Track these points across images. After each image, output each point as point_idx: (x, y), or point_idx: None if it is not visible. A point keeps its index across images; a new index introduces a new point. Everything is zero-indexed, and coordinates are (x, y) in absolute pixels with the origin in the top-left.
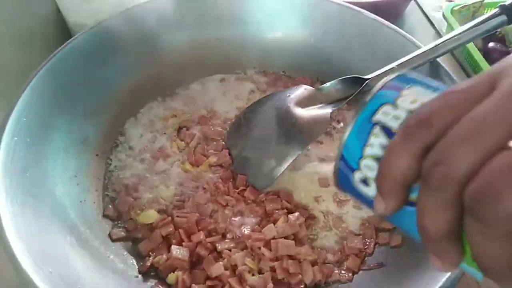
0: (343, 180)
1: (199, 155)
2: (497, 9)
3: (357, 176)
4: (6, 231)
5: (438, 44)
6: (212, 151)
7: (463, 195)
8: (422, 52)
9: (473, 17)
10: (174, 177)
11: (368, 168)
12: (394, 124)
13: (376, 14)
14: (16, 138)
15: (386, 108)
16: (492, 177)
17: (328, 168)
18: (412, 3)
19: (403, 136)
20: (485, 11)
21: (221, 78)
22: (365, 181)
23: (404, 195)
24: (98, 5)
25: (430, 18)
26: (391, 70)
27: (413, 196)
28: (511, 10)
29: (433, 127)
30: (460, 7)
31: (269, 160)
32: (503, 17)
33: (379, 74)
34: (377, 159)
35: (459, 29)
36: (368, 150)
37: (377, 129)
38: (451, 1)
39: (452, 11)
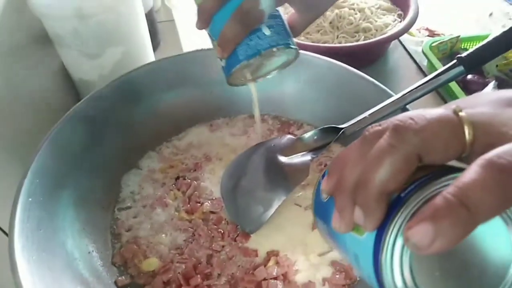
0: (317, 195)
1: (194, 203)
2: (455, 60)
3: None
4: (24, 287)
5: (405, 94)
6: (206, 198)
7: None
8: (392, 102)
9: (451, 51)
10: (172, 226)
11: None
12: None
13: (362, 55)
14: (30, 199)
15: None
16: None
17: None
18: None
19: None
20: (462, 45)
21: (211, 124)
22: None
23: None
24: (100, 62)
25: (412, 53)
26: (364, 119)
27: None
28: (466, 61)
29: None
30: (438, 43)
31: (257, 206)
32: (461, 68)
33: (353, 123)
34: None
35: (423, 79)
36: None
37: None
38: (433, 34)
39: (430, 47)
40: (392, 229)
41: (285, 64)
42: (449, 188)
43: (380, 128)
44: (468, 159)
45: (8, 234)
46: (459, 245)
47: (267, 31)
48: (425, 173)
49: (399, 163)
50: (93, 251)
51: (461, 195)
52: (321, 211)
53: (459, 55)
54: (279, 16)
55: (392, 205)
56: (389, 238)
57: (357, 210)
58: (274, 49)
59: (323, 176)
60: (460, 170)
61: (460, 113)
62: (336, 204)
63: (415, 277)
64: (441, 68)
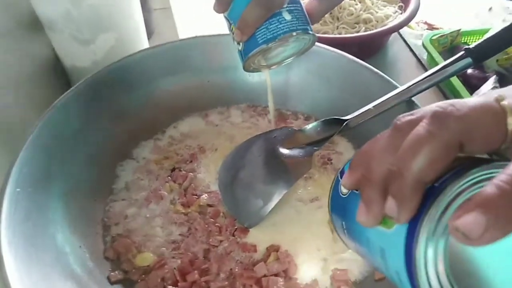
0: (335, 191)
1: (190, 196)
2: (463, 51)
3: None
4: (10, 282)
5: (411, 86)
6: (203, 191)
7: None
8: (397, 93)
9: (452, 45)
10: (167, 219)
11: None
12: None
13: (361, 46)
14: (18, 189)
15: None
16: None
17: None
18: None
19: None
20: (462, 39)
21: (206, 113)
22: None
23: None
24: (93, 48)
25: (412, 46)
26: (368, 111)
27: None
28: (474, 52)
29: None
30: (439, 36)
31: (256, 199)
32: (468, 59)
33: (357, 115)
34: None
35: (430, 71)
36: None
37: None
38: (432, 28)
39: (431, 40)
40: (427, 220)
41: (301, 51)
42: (501, 177)
43: (413, 117)
44: (508, 151)
45: None
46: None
47: (287, 16)
48: (458, 163)
49: (439, 151)
50: (84, 245)
51: None
52: (340, 207)
53: (466, 47)
54: (299, 2)
55: (425, 196)
56: (424, 230)
57: (390, 201)
58: (294, 34)
59: (341, 171)
60: (493, 161)
61: (502, 102)
62: (363, 196)
63: (448, 273)
64: (448, 60)
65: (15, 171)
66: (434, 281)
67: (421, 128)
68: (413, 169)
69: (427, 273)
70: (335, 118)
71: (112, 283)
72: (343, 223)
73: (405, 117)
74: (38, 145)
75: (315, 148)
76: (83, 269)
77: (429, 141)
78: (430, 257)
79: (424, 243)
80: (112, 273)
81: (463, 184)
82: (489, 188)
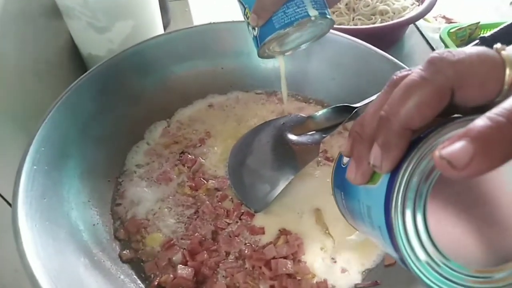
0: (338, 164)
1: (199, 180)
2: (477, 40)
3: None
4: (26, 253)
5: None
6: (211, 175)
7: None
8: None
9: (470, 38)
10: (175, 201)
11: None
12: None
13: (377, 38)
14: (35, 167)
15: None
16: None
17: None
18: (412, 25)
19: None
20: (481, 32)
21: (216, 99)
22: None
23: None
24: (109, 36)
25: (429, 40)
26: None
27: None
28: (490, 41)
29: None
30: (457, 29)
31: (263, 185)
32: None
33: (367, 102)
34: None
35: None
36: None
37: None
38: (450, 22)
39: (448, 33)
40: (407, 167)
41: (317, 36)
42: (494, 109)
43: (410, 72)
44: None
45: (12, 201)
46: (484, 195)
47: None
48: (447, 119)
49: (430, 95)
50: (98, 223)
51: (509, 115)
52: (340, 178)
53: (481, 35)
54: None
55: (410, 147)
56: (404, 178)
57: (375, 149)
58: (312, 18)
59: None
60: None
61: (503, 52)
62: (354, 154)
63: (428, 226)
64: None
65: (33, 150)
66: (411, 233)
67: (414, 73)
68: (401, 114)
69: (404, 223)
70: (345, 106)
71: (123, 261)
72: (342, 193)
73: (402, 72)
74: (54, 125)
75: (323, 135)
76: (97, 246)
77: (421, 85)
78: (409, 208)
79: (403, 192)
80: (123, 252)
81: (450, 132)
82: (480, 120)
